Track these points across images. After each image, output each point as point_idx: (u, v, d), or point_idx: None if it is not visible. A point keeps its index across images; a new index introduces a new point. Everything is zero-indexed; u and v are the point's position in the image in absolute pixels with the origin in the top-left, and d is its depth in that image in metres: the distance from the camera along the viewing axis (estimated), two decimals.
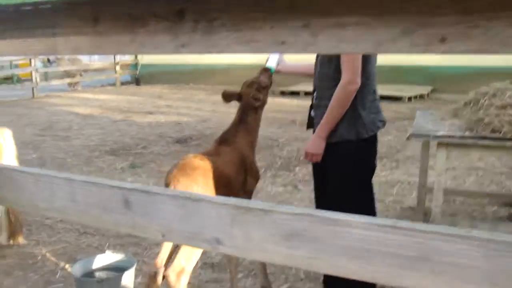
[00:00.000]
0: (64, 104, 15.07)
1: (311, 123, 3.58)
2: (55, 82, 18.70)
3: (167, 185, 3.45)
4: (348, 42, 1.21)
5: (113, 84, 20.03)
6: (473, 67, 14.61)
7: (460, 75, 14.81)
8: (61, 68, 19.28)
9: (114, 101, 15.32)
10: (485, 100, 4.83)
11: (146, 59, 20.04)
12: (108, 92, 17.90)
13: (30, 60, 16.88)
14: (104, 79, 21.30)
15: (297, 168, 7.46)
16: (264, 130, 9.70)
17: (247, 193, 3.98)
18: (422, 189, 5.20)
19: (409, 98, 14.15)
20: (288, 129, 10.45)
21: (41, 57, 22.82)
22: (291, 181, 6.89)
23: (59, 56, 19.18)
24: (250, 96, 3.96)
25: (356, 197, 3.37)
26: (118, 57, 20.18)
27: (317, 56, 3.50)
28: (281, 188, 6.58)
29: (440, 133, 4.32)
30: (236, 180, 3.80)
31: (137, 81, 20.07)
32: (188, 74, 18.80)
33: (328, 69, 3.31)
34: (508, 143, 4.07)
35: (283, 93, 15.78)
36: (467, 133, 4.29)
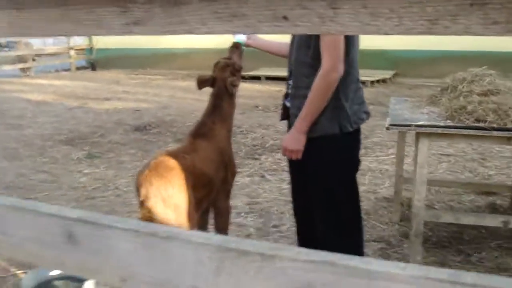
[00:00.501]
0: (16, 90, 14.38)
1: (286, 114, 3.20)
2: (6, 67, 17.88)
3: (138, 188, 3.05)
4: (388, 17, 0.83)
5: (68, 70, 19.33)
6: (433, 51, 14.48)
7: (421, 59, 14.66)
8: (12, 53, 18.46)
9: (69, 87, 14.70)
10: (463, 87, 4.56)
11: (101, 43, 19.36)
12: (63, 78, 17.24)
13: None
14: (59, 64, 20.55)
15: (263, 157, 7.12)
16: None
17: (226, 192, 3.62)
18: (399, 179, 4.90)
19: (372, 82, 13.90)
20: (251, 115, 10.09)
21: None
22: (257, 170, 6.54)
23: (14, 40, 18.37)
24: (229, 82, 3.56)
25: (341, 196, 3.03)
26: (72, 41, 19.45)
27: (293, 38, 3.12)
28: (247, 179, 6.21)
29: (421, 122, 4.01)
30: (217, 178, 3.45)
31: (92, 66, 19.45)
32: (146, 58, 18.25)
33: (306, 55, 2.94)
34: (495, 133, 3.78)
35: (243, 78, 15.23)
36: (449, 122, 4.00)
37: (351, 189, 3.10)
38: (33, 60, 19.36)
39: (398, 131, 4.75)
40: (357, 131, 3.05)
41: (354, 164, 3.11)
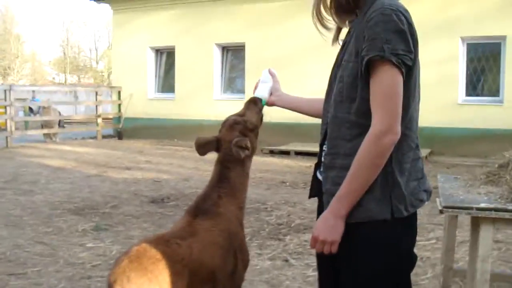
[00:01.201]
0: (37, 155, 13.91)
1: (317, 190, 2.41)
2: (32, 132, 17.53)
3: (110, 284, 2.27)
4: None
5: (94, 137, 18.89)
6: (469, 129, 13.76)
7: (457, 137, 13.88)
8: (38, 118, 18.17)
9: (91, 155, 14.18)
10: None
11: (130, 112, 19.01)
12: (88, 145, 16.76)
13: (5, 107, 15.75)
14: (85, 132, 20.24)
15: (287, 237, 6.30)
16: (250, 192, 8.47)
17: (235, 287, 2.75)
18: (448, 272, 4.05)
19: None
20: (277, 191, 9.32)
21: (21, 105, 21.83)
22: (280, 253, 5.71)
23: (44, 105, 18.14)
24: (233, 143, 2.82)
25: None
26: (101, 109, 19.13)
27: (329, 88, 2.39)
28: (268, 262, 5.39)
29: (483, 204, 3.22)
30: (222, 271, 2.61)
31: (119, 134, 18.98)
32: (174, 129, 17.77)
33: (348, 110, 2.18)
34: None
35: (272, 153, 14.73)
36: None
37: None
38: (61, 126, 19.05)
39: (447, 214, 3.96)
40: (414, 216, 2.25)
41: (408, 260, 2.30)
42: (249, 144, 2.81)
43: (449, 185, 3.95)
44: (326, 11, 2.39)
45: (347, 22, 2.38)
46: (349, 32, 2.32)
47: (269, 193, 9.05)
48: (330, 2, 2.35)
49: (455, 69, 14.33)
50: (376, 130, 2.06)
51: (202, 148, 2.91)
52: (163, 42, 19.03)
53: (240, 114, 2.95)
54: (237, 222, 2.78)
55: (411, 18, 2.14)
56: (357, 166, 2.10)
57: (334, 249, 2.18)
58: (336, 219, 2.16)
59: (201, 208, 2.72)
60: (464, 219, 6.37)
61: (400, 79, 2.07)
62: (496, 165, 4.07)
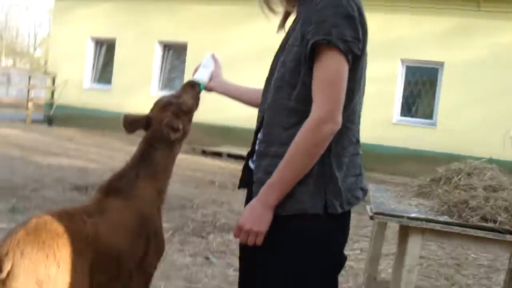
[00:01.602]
0: None
1: (247, 180, 2.22)
2: None
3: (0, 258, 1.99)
4: None
5: (23, 121, 18.12)
6: (402, 149, 13.99)
7: (388, 156, 14.05)
8: None
9: (18, 138, 13.56)
10: (459, 179, 3.75)
11: (63, 99, 18.36)
12: (15, 128, 16.03)
13: None
14: (14, 114, 19.38)
15: (210, 236, 6.09)
16: (177, 189, 8.32)
17: (144, 277, 2.48)
18: (370, 282, 3.94)
19: None
20: (206, 190, 9.11)
21: None
22: (202, 250, 5.50)
23: None
24: (164, 123, 2.58)
25: None
26: (33, 94, 18.41)
27: (270, 75, 2.20)
28: (189, 259, 5.16)
29: (414, 214, 3.12)
30: (131, 255, 2.37)
31: (49, 121, 18.28)
32: (107, 121, 17.15)
33: (288, 97, 2.01)
34: (508, 237, 2.91)
35: (204, 153, 14.49)
36: (446, 218, 3.13)
37: None
38: None
39: (377, 221, 3.86)
40: (347, 215, 2.10)
41: (337, 261, 2.13)
42: (181, 126, 2.60)
43: (380, 194, 3.86)
44: None
45: (295, 8, 2.20)
46: (295, 17, 2.15)
47: (197, 191, 8.83)
48: None
49: (393, 89, 14.56)
50: (315, 117, 1.90)
51: (130, 125, 2.68)
52: (104, 33, 18.54)
53: (175, 96, 2.74)
54: (153, 206, 2.55)
55: (362, 6, 1.99)
56: (292, 153, 1.93)
57: (259, 240, 2.00)
58: (264, 208, 1.98)
59: (114, 186, 2.49)
60: (390, 233, 6.35)
61: (345, 67, 1.92)
62: (428, 179, 4.01)
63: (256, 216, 1.98)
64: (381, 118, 14.18)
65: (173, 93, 2.80)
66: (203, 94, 2.80)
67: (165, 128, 2.56)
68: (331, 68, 1.91)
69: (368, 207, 3.73)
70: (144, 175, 2.55)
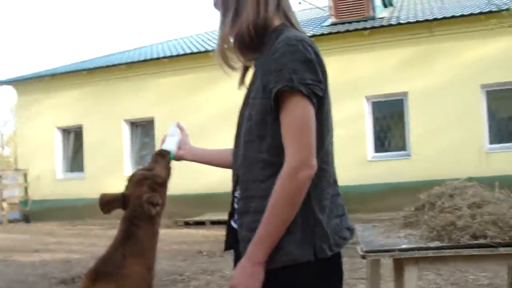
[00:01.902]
0: None
1: (232, 240, 2.15)
2: None
3: None
4: None
5: (0, 222, 17.78)
6: (381, 185, 14.00)
7: (368, 194, 14.05)
8: None
9: None
10: (442, 202, 3.74)
11: (38, 194, 18.13)
12: None
13: None
14: None
15: None
16: (165, 264, 8.16)
17: None
18: None
19: None
20: (194, 261, 8.93)
21: None
22: None
23: None
24: (145, 199, 2.52)
25: None
26: (6, 194, 18.16)
27: (238, 130, 2.17)
28: None
29: (404, 246, 3.07)
30: None
31: (26, 218, 17.99)
32: (85, 209, 16.89)
33: (259, 150, 1.98)
34: (502, 250, 2.88)
35: (187, 224, 14.34)
36: (437, 243, 3.09)
37: None
38: None
39: (369, 260, 3.80)
40: (338, 257, 2.05)
41: None
42: (160, 201, 2.54)
43: (368, 233, 3.83)
44: (230, 50, 2.21)
45: (253, 61, 2.19)
46: (254, 71, 2.15)
47: (186, 264, 8.66)
48: (234, 40, 2.17)
49: (362, 127, 14.69)
50: (289, 166, 1.87)
51: (107, 205, 2.59)
52: (70, 122, 18.55)
53: (147, 169, 2.68)
54: (144, 284, 2.45)
55: (318, 48, 1.99)
56: (273, 207, 1.89)
57: None
58: (255, 266, 1.92)
59: (102, 271, 2.37)
60: (385, 270, 6.27)
61: (311, 110, 1.90)
62: (413, 208, 3.99)
63: (248, 275, 1.93)
64: (356, 158, 14.25)
65: (145, 166, 2.74)
66: (174, 164, 2.76)
67: (145, 204, 2.49)
68: (297, 114, 1.89)
69: (358, 248, 3.68)
70: (131, 254, 2.44)
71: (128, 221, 2.53)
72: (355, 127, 14.35)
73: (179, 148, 2.66)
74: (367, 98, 14.80)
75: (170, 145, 2.65)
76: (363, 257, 3.15)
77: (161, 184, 2.60)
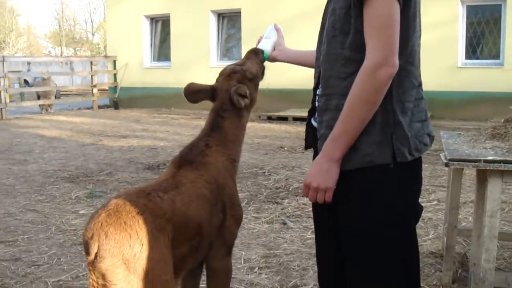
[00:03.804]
0: (32, 126, 13.69)
1: (312, 139, 2.20)
2: (27, 104, 17.30)
3: (86, 241, 2.07)
4: None
5: (90, 108, 18.63)
6: (469, 93, 13.53)
7: (457, 101, 13.65)
8: (34, 89, 17.90)
9: (87, 124, 13.96)
10: None
11: (126, 81, 18.73)
12: (83, 115, 16.53)
13: None
14: (81, 102, 20.03)
15: (285, 201, 6.12)
16: (247, 157, 8.43)
17: (225, 246, 2.54)
18: (452, 231, 3.87)
19: None
20: (276, 156, 9.14)
21: (17, 77, 21.54)
22: (278, 216, 5.54)
23: (44, 77, 17.81)
24: (233, 90, 2.59)
25: (394, 261, 2.02)
26: (96, 80, 18.86)
27: (322, 28, 2.15)
28: (266, 226, 5.22)
29: (491, 157, 3.03)
30: (209, 225, 2.41)
31: (115, 104, 18.69)
32: (170, 98, 17.37)
33: (341, 46, 1.97)
34: None
35: (270, 119, 14.51)
36: None
37: (409, 249, 2.07)
38: (56, 97, 18.80)
39: (452, 169, 3.79)
40: (418, 163, 2.06)
41: (414, 211, 2.10)
42: (248, 92, 2.61)
43: (453, 141, 3.77)
44: None
45: None
46: None
47: (267, 158, 8.87)
48: None
49: (455, 32, 14.02)
50: (370, 62, 1.86)
51: (193, 94, 2.70)
52: (157, 10, 18.66)
53: (239, 64, 2.75)
54: (226, 174, 2.57)
55: None
56: (351, 104, 1.91)
57: (329, 197, 1.99)
58: (330, 163, 1.96)
59: (186, 158, 2.52)
60: (466, 181, 6.21)
61: (396, 7, 1.86)
62: (502, 120, 3.89)
63: (323, 172, 1.97)
64: (445, 63, 13.75)
65: (238, 61, 2.81)
66: (267, 64, 2.82)
67: (234, 95, 2.58)
68: (381, 9, 1.86)
69: (441, 155, 3.66)
70: (215, 144, 2.58)
71: (215, 113, 2.65)
72: (447, 31, 13.68)
73: (274, 49, 2.71)
74: (462, 1, 14.01)
75: (265, 46, 2.73)
76: (446, 164, 3.13)
77: (250, 79, 2.68)
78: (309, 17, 14.34)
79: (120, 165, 8.44)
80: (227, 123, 2.62)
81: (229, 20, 17.96)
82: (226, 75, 2.69)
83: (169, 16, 18.33)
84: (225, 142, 2.60)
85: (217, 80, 2.73)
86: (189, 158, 2.51)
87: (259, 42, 2.78)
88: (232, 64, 2.77)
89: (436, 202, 5.99)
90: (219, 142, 2.59)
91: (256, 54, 2.73)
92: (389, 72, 1.86)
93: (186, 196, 2.33)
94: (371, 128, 1.93)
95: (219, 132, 2.60)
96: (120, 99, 18.82)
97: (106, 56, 20.48)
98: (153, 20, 19.25)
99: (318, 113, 2.11)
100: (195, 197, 2.36)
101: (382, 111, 1.92)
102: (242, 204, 2.90)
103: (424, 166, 2.11)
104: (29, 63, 27.59)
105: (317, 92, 2.16)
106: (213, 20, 17.74)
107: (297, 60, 2.69)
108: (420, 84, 2.05)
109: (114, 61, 19.25)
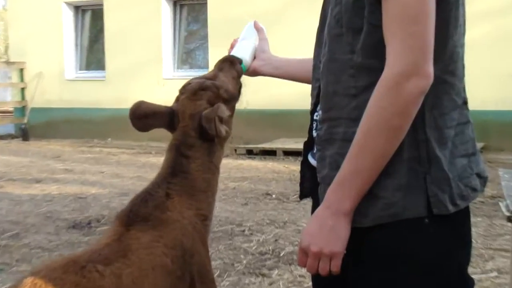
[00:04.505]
0: None
1: (311, 184, 2.24)
2: None
3: None
4: None
5: None
6: None
7: (509, 125, 13.70)
8: None
9: None
10: None
11: (39, 100, 18.70)
12: None
13: None
14: None
15: (274, 272, 6.20)
16: (219, 209, 8.50)
17: None
18: None
19: None
20: (259, 207, 9.25)
21: None
22: None
23: None
24: (204, 114, 2.61)
25: None
26: None
27: (320, 26, 2.20)
28: None
29: None
30: None
31: (24, 133, 18.71)
32: (105, 124, 17.43)
33: (350, 49, 2.00)
34: None
35: (250, 153, 14.60)
36: None
37: None
38: None
39: None
40: (464, 215, 2.07)
41: (460, 286, 2.13)
42: (227, 114, 2.63)
43: None
44: None
45: None
46: None
47: (247, 210, 8.98)
48: None
49: None
50: (392, 73, 1.87)
51: (143, 119, 2.72)
52: None
53: (208, 77, 2.76)
54: (195, 235, 2.59)
55: None
56: (366, 130, 1.91)
57: (335, 266, 2.00)
58: (336, 218, 1.97)
59: (138, 213, 2.53)
60: None
61: None
62: None
63: (326, 230, 1.97)
64: (499, 71, 13.78)
65: (206, 74, 2.84)
66: (244, 79, 2.85)
67: (206, 122, 2.56)
68: None
69: (501, 204, 3.74)
70: (179, 194, 2.59)
71: (176, 150, 2.67)
72: (502, 25, 13.84)
73: (255, 57, 2.75)
74: None
75: (242, 52, 2.73)
76: (509, 219, 3.22)
77: (225, 99, 2.69)
78: (303, 7, 14.55)
79: (32, 223, 8.44)
80: (195, 165, 2.64)
81: (190, 11, 18.13)
82: (191, 92, 2.69)
83: (102, 4, 18.43)
84: (192, 191, 2.62)
85: (177, 99, 2.74)
86: (143, 212, 2.53)
87: (232, 47, 2.81)
88: (198, 77, 2.79)
89: (495, 274, 6.06)
90: (185, 190, 2.60)
91: (232, 64, 2.74)
92: (420, 85, 1.85)
93: (137, 268, 2.35)
94: (394, 165, 1.94)
95: (184, 178, 2.62)
96: (31, 126, 18.85)
97: (7, 62, 20.51)
98: (79, 9, 19.39)
99: (318, 146, 2.14)
100: (150, 269, 2.39)
101: (411, 142, 1.94)
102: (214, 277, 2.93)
103: (475, 220, 2.18)
104: None
105: (316, 116, 2.20)
106: (167, 10, 17.89)
107: (288, 72, 2.73)
108: (465, 102, 2.08)
109: (21, 70, 19.26)
